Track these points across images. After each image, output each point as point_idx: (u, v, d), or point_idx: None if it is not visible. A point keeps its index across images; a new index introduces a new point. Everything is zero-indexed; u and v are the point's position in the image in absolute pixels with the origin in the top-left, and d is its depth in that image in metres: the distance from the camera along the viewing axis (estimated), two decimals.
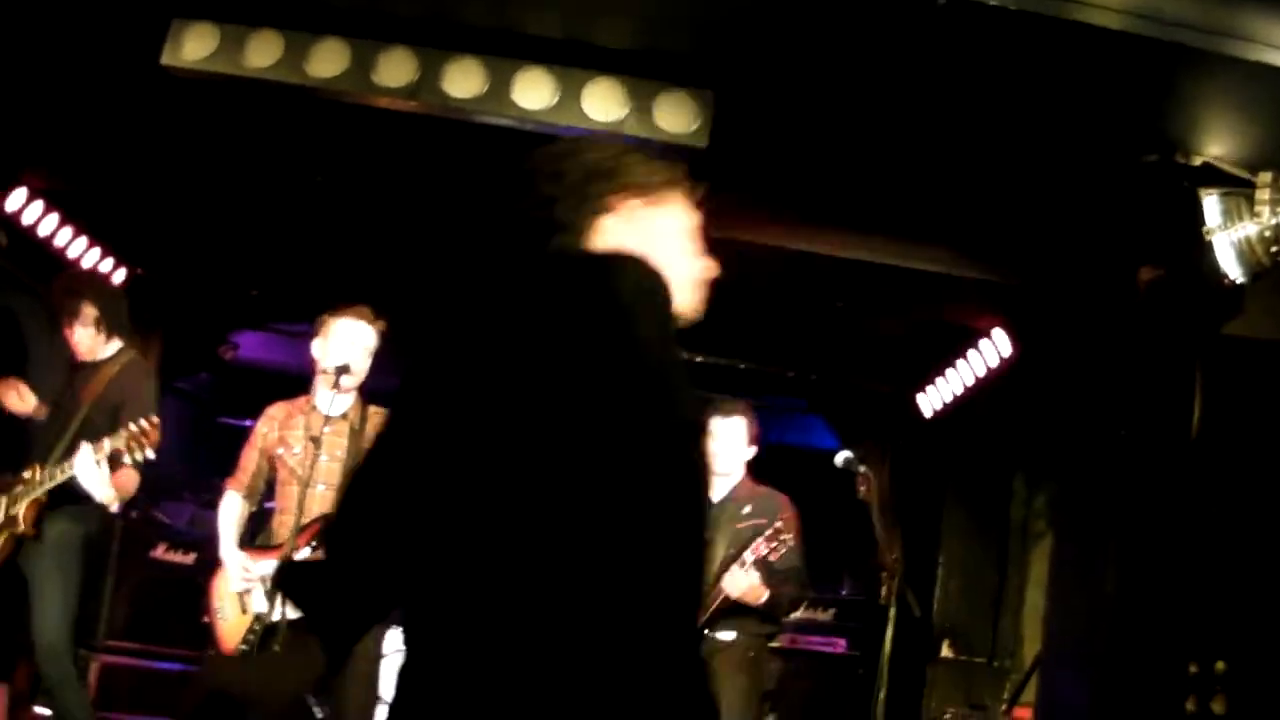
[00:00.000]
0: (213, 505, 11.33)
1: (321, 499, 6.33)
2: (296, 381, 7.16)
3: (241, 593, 6.60)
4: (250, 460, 6.82)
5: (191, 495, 10.93)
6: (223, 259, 9.82)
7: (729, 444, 6.98)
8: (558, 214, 2.85)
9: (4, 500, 6.82)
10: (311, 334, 6.64)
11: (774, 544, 6.76)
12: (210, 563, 9.90)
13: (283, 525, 6.49)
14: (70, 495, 6.79)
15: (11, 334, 8.86)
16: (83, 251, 9.03)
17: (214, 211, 8.81)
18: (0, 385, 7.24)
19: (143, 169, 8.10)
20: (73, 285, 7.24)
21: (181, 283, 7.97)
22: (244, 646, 6.43)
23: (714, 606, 6.74)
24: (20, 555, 6.88)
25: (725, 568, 6.78)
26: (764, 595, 6.76)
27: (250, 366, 11.74)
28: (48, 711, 7.31)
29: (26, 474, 6.80)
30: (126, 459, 6.60)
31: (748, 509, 6.97)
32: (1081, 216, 6.91)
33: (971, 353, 8.58)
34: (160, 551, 9.21)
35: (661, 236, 2.93)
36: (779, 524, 6.82)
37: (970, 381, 8.74)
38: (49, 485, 6.72)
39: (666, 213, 2.98)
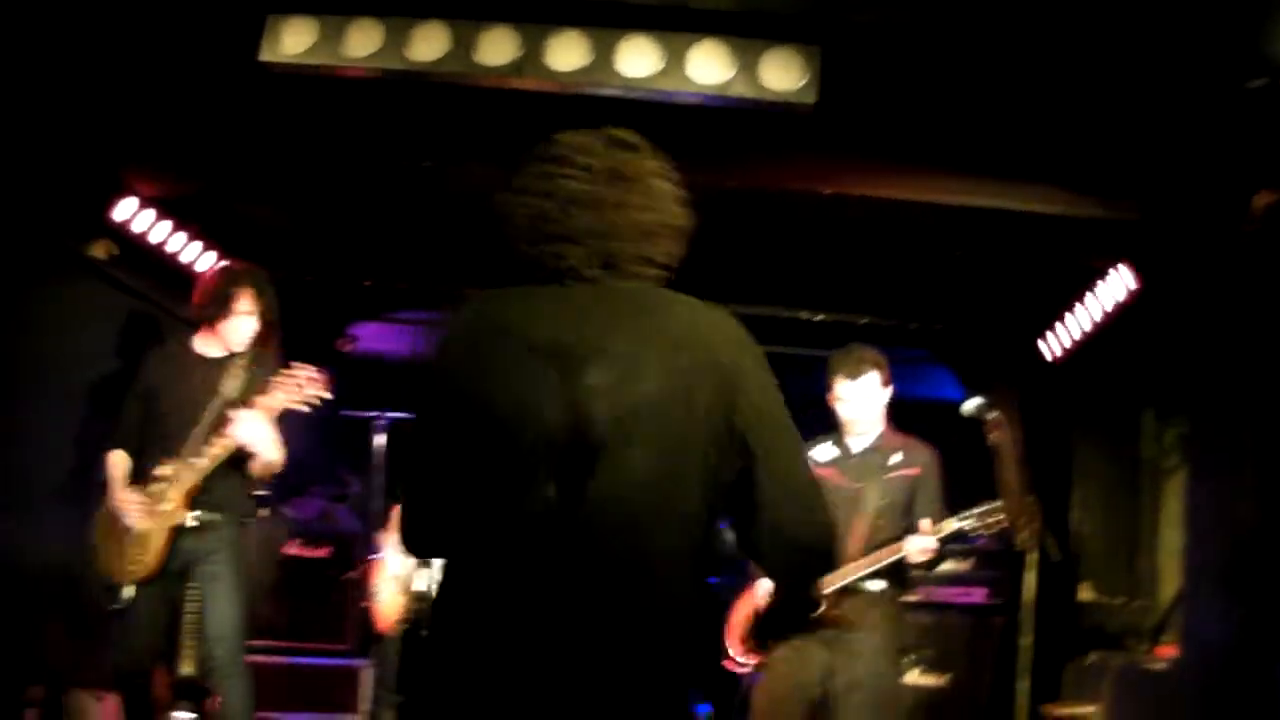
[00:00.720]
0: (342, 499, 11.52)
1: None
2: (414, 371, 7.18)
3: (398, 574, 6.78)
4: None
5: (320, 490, 11.03)
6: (335, 252, 9.89)
7: (863, 403, 6.92)
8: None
9: (152, 498, 6.94)
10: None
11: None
12: (346, 554, 10.09)
13: None
14: (221, 495, 6.98)
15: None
16: (196, 255, 9.10)
17: (323, 205, 8.87)
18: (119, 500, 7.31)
19: (249, 167, 8.17)
20: (237, 275, 7.30)
21: (296, 278, 8.01)
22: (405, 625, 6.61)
23: (886, 561, 6.69)
24: (178, 563, 7.04)
25: (883, 520, 6.76)
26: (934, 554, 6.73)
27: (369, 358, 11.83)
28: (190, 716, 7.41)
29: (169, 469, 6.91)
30: (305, 409, 6.77)
31: (896, 458, 6.93)
32: (1194, 147, 6.81)
33: (1093, 292, 8.46)
34: (293, 548, 9.29)
35: None
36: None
37: (1093, 322, 8.63)
38: (195, 472, 6.84)
39: None
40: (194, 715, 8.69)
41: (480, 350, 3.19)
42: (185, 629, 7.22)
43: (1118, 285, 8.19)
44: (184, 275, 8.99)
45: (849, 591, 6.66)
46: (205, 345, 7.26)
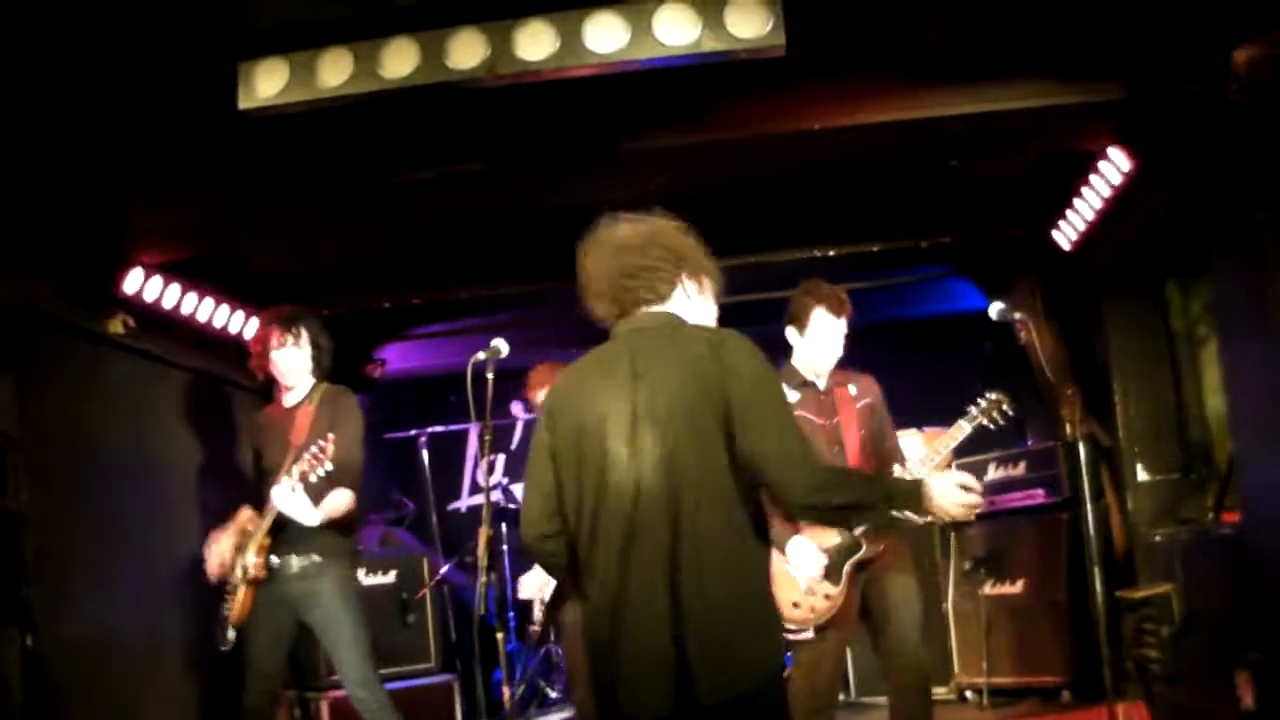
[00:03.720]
0: (399, 521, 11.60)
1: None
2: (445, 383, 7.30)
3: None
4: None
5: (378, 516, 11.10)
6: (349, 281, 9.96)
7: (838, 339, 6.96)
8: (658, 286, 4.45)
9: (241, 552, 7.14)
10: None
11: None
12: (412, 575, 10.19)
13: None
14: (308, 542, 7.19)
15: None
16: (212, 312, 9.18)
17: (327, 236, 8.93)
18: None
19: (247, 215, 8.22)
20: (288, 313, 7.45)
21: (318, 313, 8.09)
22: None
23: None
24: (290, 607, 7.28)
25: (866, 451, 6.84)
26: None
27: (400, 378, 11.91)
28: None
29: (250, 526, 7.10)
30: (313, 478, 6.87)
31: (853, 390, 7.01)
32: (1166, 14, 6.82)
33: (1093, 177, 8.48)
34: (362, 577, 9.36)
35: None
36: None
37: (1099, 205, 8.64)
38: (265, 528, 7.05)
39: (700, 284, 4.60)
40: None
41: None
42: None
43: (1115, 167, 8.21)
44: (209, 334, 9.11)
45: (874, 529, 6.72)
46: (287, 396, 7.51)
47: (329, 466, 6.88)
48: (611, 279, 4.47)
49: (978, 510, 4.52)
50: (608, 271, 4.48)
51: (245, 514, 7.33)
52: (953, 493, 4.38)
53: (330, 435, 6.95)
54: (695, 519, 4.14)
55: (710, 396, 4.19)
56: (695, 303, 4.58)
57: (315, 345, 7.45)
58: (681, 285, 4.51)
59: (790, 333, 7.00)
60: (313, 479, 6.89)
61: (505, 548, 11.18)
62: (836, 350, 6.93)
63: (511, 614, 11.02)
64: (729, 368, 4.23)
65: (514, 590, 7.85)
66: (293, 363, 7.42)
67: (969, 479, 4.46)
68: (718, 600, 4.13)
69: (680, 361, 4.28)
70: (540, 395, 7.27)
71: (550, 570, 5.07)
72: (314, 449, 6.87)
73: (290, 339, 7.38)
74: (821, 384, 6.99)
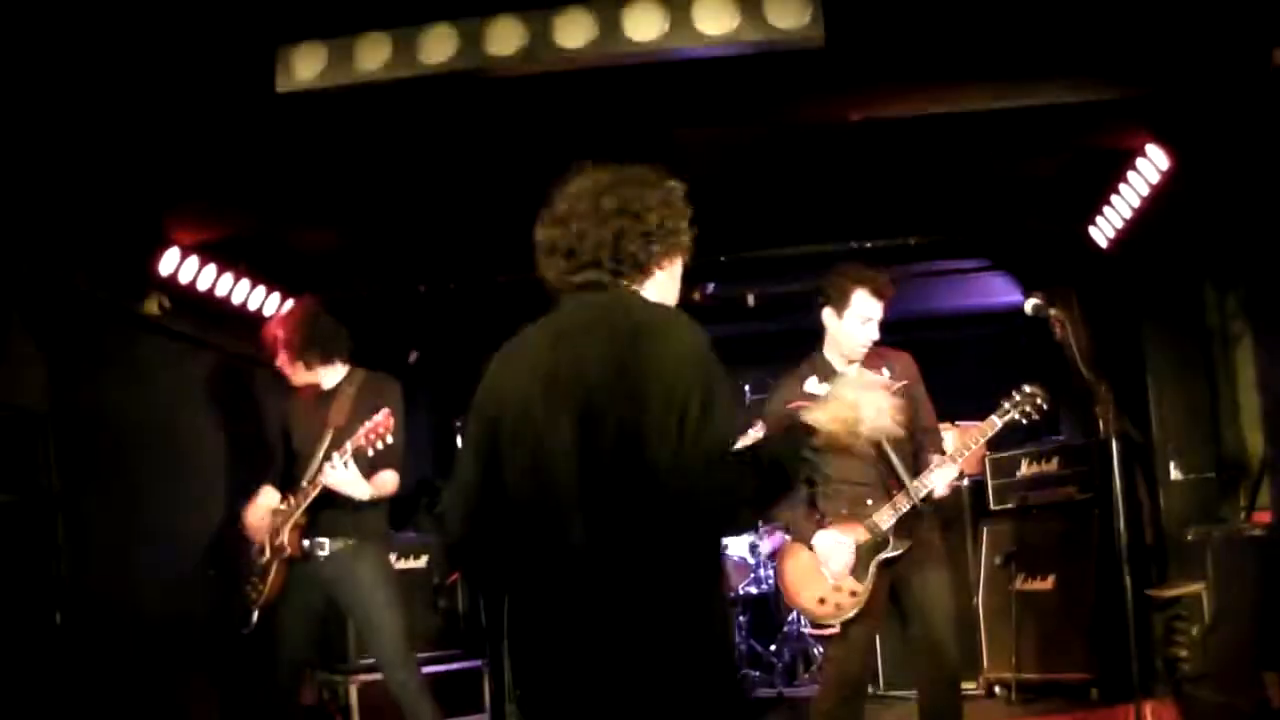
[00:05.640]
0: (434, 507, 11.59)
1: None
2: (482, 368, 7.30)
3: None
4: None
5: (411, 500, 11.09)
6: (384, 265, 9.98)
7: (876, 323, 6.86)
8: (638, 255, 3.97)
9: (272, 531, 7.25)
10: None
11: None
12: (444, 562, 10.19)
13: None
14: (342, 522, 7.27)
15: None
16: (247, 294, 9.22)
17: (361, 219, 8.95)
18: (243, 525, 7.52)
19: (282, 198, 8.25)
20: (272, 330, 7.55)
21: (352, 298, 8.11)
22: None
23: (925, 488, 6.72)
24: (322, 588, 7.36)
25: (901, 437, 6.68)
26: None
27: (432, 362, 11.93)
28: None
29: (283, 505, 7.16)
30: (370, 452, 6.98)
31: (887, 373, 6.83)
32: (1205, 12, 6.79)
33: (1131, 174, 8.45)
34: (394, 561, 9.35)
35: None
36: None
37: (1136, 203, 8.61)
38: (303, 506, 7.13)
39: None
40: None
41: None
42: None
43: (1152, 165, 8.19)
44: (244, 315, 9.14)
45: (905, 520, 6.70)
46: (323, 378, 7.58)
47: (390, 440, 6.99)
48: (567, 247, 4.01)
49: (880, 411, 4.02)
50: (561, 240, 4.02)
51: (267, 493, 7.37)
52: (836, 403, 3.99)
53: (386, 409, 7.02)
54: (609, 523, 3.67)
55: (610, 388, 3.72)
56: (659, 280, 4.08)
57: (310, 351, 7.50)
58: (654, 266, 4.03)
59: (827, 315, 6.86)
60: (370, 453, 6.99)
61: None
62: (873, 335, 6.81)
63: None
64: (639, 354, 3.73)
65: None
66: (306, 378, 7.57)
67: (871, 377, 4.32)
68: (631, 623, 3.65)
69: (599, 342, 3.80)
70: None
71: (471, 577, 4.84)
72: (371, 423, 6.96)
73: (292, 370, 7.48)
74: (853, 371, 6.83)
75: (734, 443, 3.81)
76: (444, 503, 4.28)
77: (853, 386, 4.13)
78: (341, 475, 7.02)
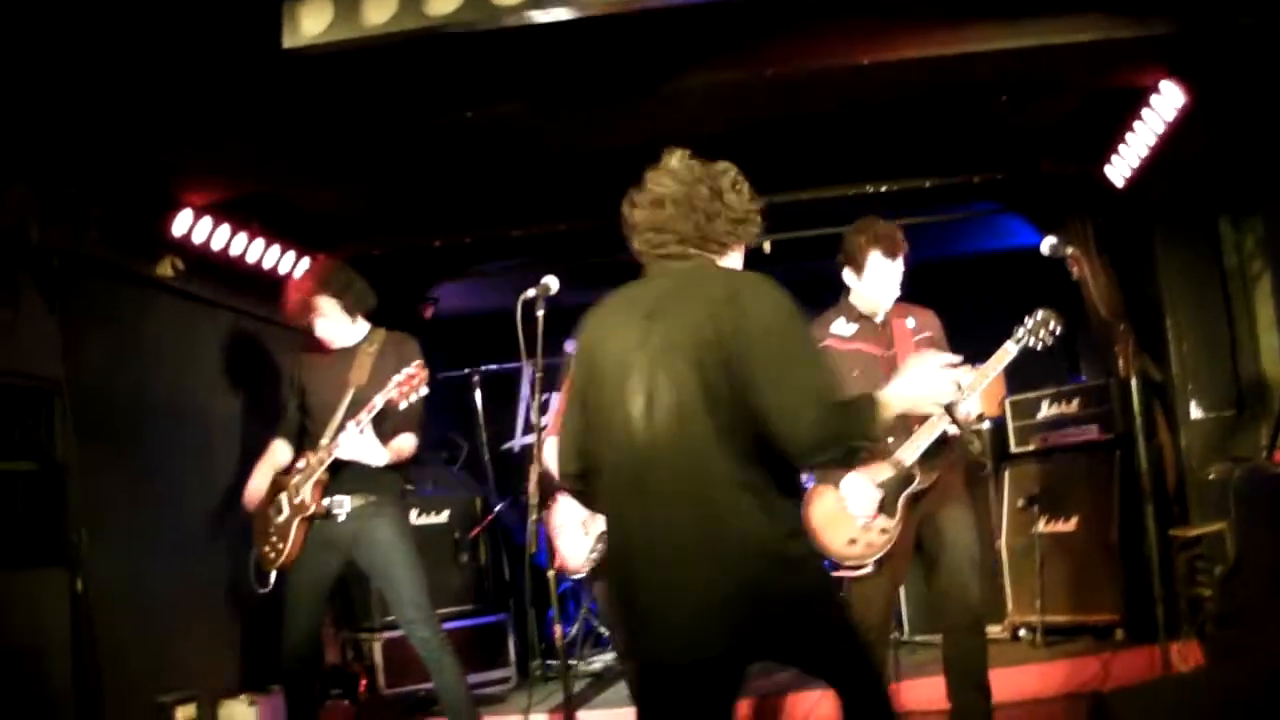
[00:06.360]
0: (453, 461, 11.62)
1: None
2: (499, 322, 7.31)
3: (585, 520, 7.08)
4: None
5: (430, 455, 11.09)
6: (399, 221, 9.96)
7: (895, 280, 6.98)
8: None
9: (290, 490, 7.20)
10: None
11: None
12: (465, 516, 10.19)
13: None
14: (363, 481, 7.27)
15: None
16: (261, 253, 9.18)
17: (374, 176, 8.91)
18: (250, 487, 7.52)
19: (294, 155, 8.21)
20: (301, 282, 7.51)
21: (365, 255, 8.07)
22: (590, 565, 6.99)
23: (939, 427, 6.71)
24: (340, 548, 7.36)
25: None
26: None
27: (454, 316, 11.92)
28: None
29: (302, 463, 7.18)
30: (403, 405, 7.02)
31: (911, 323, 7.02)
32: None
33: (1146, 112, 8.38)
34: (414, 517, 9.35)
35: None
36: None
37: (1152, 141, 8.54)
38: (325, 465, 7.13)
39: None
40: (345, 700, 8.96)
41: None
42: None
43: (1167, 102, 8.12)
44: (259, 275, 9.11)
45: (926, 459, 6.70)
46: (345, 335, 7.56)
47: (424, 390, 7.04)
48: (660, 225, 4.57)
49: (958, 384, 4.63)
50: (656, 220, 4.58)
51: (280, 448, 7.38)
52: (926, 378, 4.52)
53: (418, 360, 7.07)
54: (703, 468, 4.23)
55: (722, 344, 4.25)
56: (732, 258, 4.71)
57: (342, 296, 7.47)
58: (733, 246, 4.67)
59: (847, 274, 7.01)
60: (402, 405, 7.02)
61: None
62: (894, 290, 6.94)
63: None
64: (743, 314, 4.27)
65: None
66: (330, 329, 7.51)
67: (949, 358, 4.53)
68: (725, 553, 4.20)
69: (698, 305, 4.35)
70: None
71: (582, 504, 5.18)
72: (403, 375, 6.98)
73: (314, 316, 7.44)
74: (880, 317, 6.99)
75: (838, 388, 4.32)
76: (556, 443, 4.89)
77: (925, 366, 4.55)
78: (357, 443, 7.04)
